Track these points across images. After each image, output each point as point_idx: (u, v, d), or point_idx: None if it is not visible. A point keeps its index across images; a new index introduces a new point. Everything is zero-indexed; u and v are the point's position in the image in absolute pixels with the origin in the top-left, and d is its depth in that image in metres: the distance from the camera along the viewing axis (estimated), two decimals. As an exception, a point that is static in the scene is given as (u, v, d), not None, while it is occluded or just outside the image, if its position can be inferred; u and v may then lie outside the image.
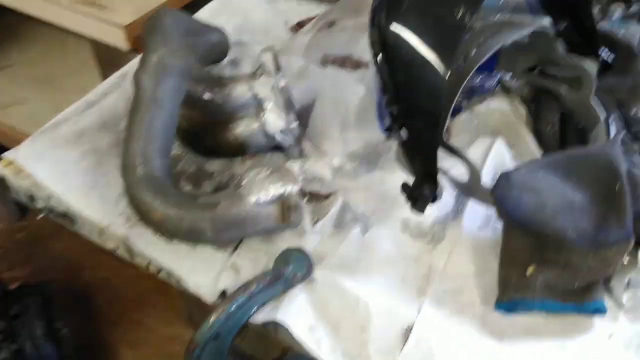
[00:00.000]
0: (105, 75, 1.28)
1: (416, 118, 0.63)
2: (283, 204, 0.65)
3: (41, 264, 1.79)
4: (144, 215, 0.65)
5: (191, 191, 0.74)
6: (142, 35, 0.74)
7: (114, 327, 1.66)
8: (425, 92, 0.62)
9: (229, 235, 0.67)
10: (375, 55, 0.64)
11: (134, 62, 0.93)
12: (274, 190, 0.65)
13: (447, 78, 0.61)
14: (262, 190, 0.65)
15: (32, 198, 0.78)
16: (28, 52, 1.71)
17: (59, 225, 1.82)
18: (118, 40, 1.08)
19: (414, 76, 0.62)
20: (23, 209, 1.87)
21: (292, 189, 0.66)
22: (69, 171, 0.77)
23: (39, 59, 1.70)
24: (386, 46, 0.62)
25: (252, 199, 0.65)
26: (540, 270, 0.62)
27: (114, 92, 0.88)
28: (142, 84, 0.68)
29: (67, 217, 0.76)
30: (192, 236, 0.65)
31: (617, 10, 0.99)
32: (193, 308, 1.57)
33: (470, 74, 0.67)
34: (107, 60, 1.23)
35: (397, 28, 0.62)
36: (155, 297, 1.71)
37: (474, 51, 0.68)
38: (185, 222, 0.64)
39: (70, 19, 1.13)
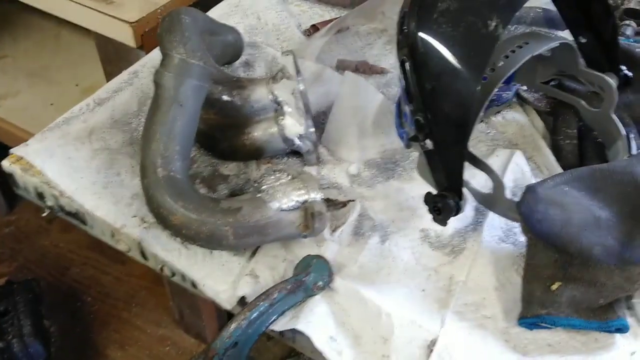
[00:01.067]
0: (108, 70, 1.26)
1: (443, 128, 0.62)
2: (306, 211, 0.64)
3: (28, 260, 1.75)
4: (163, 219, 0.63)
5: (206, 194, 0.73)
6: (159, 33, 0.72)
7: (102, 326, 1.63)
8: (454, 102, 0.61)
9: (251, 242, 0.65)
10: (402, 63, 0.63)
11: (145, 61, 0.91)
12: (297, 196, 0.64)
13: (477, 89, 0.60)
14: (285, 197, 0.64)
15: (41, 195, 0.75)
16: (22, 44, 1.68)
17: (47, 221, 1.78)
18: (125, 37, 1.06)
19: (443, 85, 0.61)
20: (10, 203, 1.84)
21: (315, 195, 0.65)
22: (80, 169, 0.75)
23: (33, 50, 1.66)
24: (415, 55, 0.61)
25: (275, 205, 0.63)
26: (566, 286, 0.62)
27: (125, 90, 0.86)
28: (164, 83, 0.66)
29: (78, 216, 0.74)
30: (213, 241, 0.63)
31: (629, 27, 1.00)
32: (184, 309, 1.55)
33: (498, 85, 0.67)
34: (111, 55, 1.20)
35: (427, 36, 0.61)
36: (144, 296, 1.68)
37: (501, 62, 0.68)
38: (207, 227, 0.62)
39: (76, 13, 1.10)
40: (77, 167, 0.75)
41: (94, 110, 0.83)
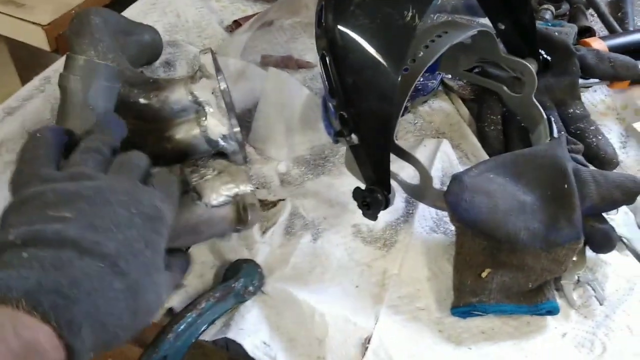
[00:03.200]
0: (24, 76, 1.20)
1: (367, 122, 0.61)
2: (238, 204, 0.62)
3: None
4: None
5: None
6: (68, 35, 0.68)
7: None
8: (376, 95, 0.60)
9: (183, 243, 0.63)
10: (322, 57, 0.62)
11: (58, 65, 0.87)
12: (227, 190, 0.62)
13: (398, 80, 0.60)
14: (213, 192, 0.62)
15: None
16: None
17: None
18: (39, 40, 1.01)
19: (365, 79, 0.60)
20: None
21: (245, 187, 0.63)
22: (-10, 185, 0.70)
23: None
24: (334, 48, 0.60)
25: (205, 201, 0.61)
26: (495, 272, 0.62)
27: (36, 97, 0.82)
28: (70, 87, 0.62)
29: (-10, 235, 0.69)
30: None
31: (548, 11, 1.02)
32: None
33: (420, 75, 0.66)
34: (26, 61, 1.14)
35: (345, 29, 0.59)
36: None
37: (421, 53, 0.68)
38: None
39: (-18, 18, 1.04)
40: (-14, 183, 0.70)
41: (4, 121, 0.78)
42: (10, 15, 1.02)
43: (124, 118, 0.69)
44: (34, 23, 1.00)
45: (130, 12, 0.96)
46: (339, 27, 0.59)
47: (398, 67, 0.60)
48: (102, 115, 0.62)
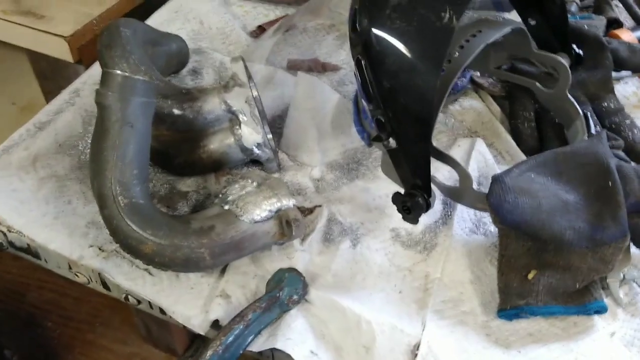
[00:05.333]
0: (45, 87, 1.20)
1: (406, 125, 0.60)
2: (281, 219, 0.62)
3: (-21, 290, 1.68)
4: (132, 249, 0.60)
5: (169, 212, 0.69)
6: (98, 49, 0.68)
7: (67, 351, 1.57)
8: (415, 98, 0.59)
9: (228, 259, 0.63)
10: (357, 61, 0.61)
11: (85, 78, 0.87)
12: (269, 205, 0.62)
13: (437, 83, 0.59)
14: (257, 208, 0.61)
15: (-13, 234, 0.71)
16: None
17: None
18: (62, 52, 1.00)
19: (402, 82, 0.59)
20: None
21: (287, 202, 0.62)
22: (27, 201, 0.71)
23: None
24: (370, 52, 0.59)
25: (248, 218, 0.61)
26: (541, 273, 0.61)
27: (66, 110, 0.81)
28: (108, 104, 0.62)
29: (30, 251, 0.69)
30: (189, 265, 0.60)
31: (573, 4, 1.00)
32: (150, 324, 1.50)
33: (457, 76, 0.66)
34: (47, 72, 1.14)
35: (381, 32, 0.59)
36: (108, 314, 1.63)
37: (456, 53, 0.67)
38: (182, 252, 0.59)
39: (5, 31, 1.04)
40: (23, 199, 0.71)
41: (36, 136, 0.78)
42: (32, 27, 1.02)
43: (158, 129, 0.69)
44: (56, 35, 1.00)
45: (153, 21, 0.95)
46: (374, 31, 0.58)
47: (436, 70, 0.59)
48: None
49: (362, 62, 0.60)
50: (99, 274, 0.66)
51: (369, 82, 0.60)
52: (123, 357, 1.56)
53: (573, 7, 0.99)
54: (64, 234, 0.68)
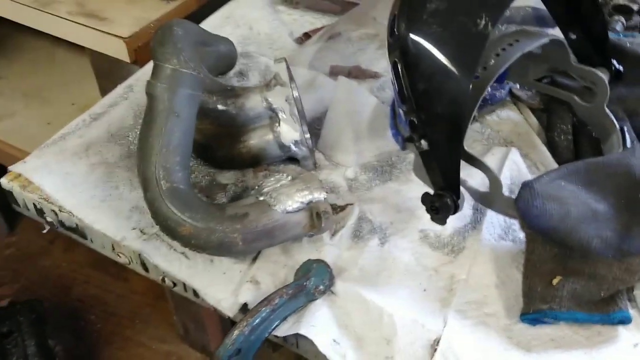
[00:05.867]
0: (102, 86, 1.27)
1: (438, 128, 0.62)
2: (311, 211, 0.64)
3: (30, 281, 1.75)
4: (171, 230, 0.63)
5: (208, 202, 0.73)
6: (152, 46, 0.73)
7: (107, 345, 1.63)
8: (447, 101, 0.62)
9: (259, 246, 0.66)
10: (394, 64, 0.64)
11: (140, 74, 0.92)
12: (301, 197, 0.65)
13: (469, 88, 0.61)
14: (289, 199, 0.64)
15: (41, 212, 0.76)
16: (16, 64, 1.68)
17: (48, 240, 1.79)
18: (120, 52, 1.06)
19: (436, 85, 0.62)
20: (11, 224, 1.84)
21: (319, 195, 0.65)
22: (78, 184, 0.75)
23: (27, 71, 1.67)
24: (407, 56, 0.62)
25: (281, 208, 0.64)
26: (566, 280, 0.62)
27: (120, 103, 0.87)
28: (157, 94, 0.67)
29: (78, 231, 0.74)
30: (222, 249, 0.63)
31: (619, 23, 1.00)
32: (189, 324, 1.54)
33: (490, 83, 0.67)
34: (105, 71, 1.21)
35: (417, 37, 0.61)
36: (148, 312, 1.68)
37: (492, 61, 0.69)
38: (216, 236, 0.62)
39: (70, 31, 1.11)
40: (75, 182, 0.75)
41: (90, 125, 0.83)
42: (94, 28, 1.09)
43: (202, 123, 0.73)
44: (115, 35, 1.06)
45: (206, 25, 1.01)
46: (412, 35, 0.61)
47: (469, 75, 0.61)
48: None
49: (399, 65, 0.62)
50: (139, 255, 0.70)
51: (404, 84, 0.62)
52: (160, 355, 1.61)
53: (618, 26, 1.00)
54: (110, 216, 0.72)
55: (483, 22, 0.61)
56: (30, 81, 1.64)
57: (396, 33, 0.62)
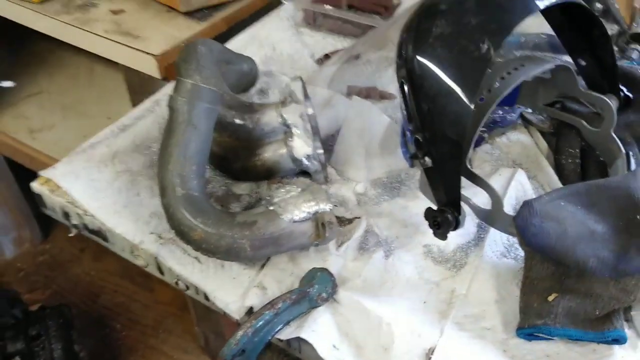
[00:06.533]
0: (134, 100, 1.33)
1: (440, 146, 0.65)
2: (317, 221, 0.67)
3: (61, 287, 1.82)
4: (184, 234, 0.67)
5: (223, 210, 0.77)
6: (176, 62, 0.78)
7: (130, 352, 1.67)
8: (450, 121, 0.64)
9: (266, 253, 0.69)
10: (401, 85, 0.67)
11: (167, 90, 0.97)
12: (308, 208, 0.68)
13: (472, 108, 0.63)
14: (296, 209, 0.67)
15: (66, 215, 0.81)
16: (57, 79, 1.77)
17: (80, 249, 1.85)
18: (151, 68, 1.12)
19: (439, 106, 0.64)
20: (45, 232, 1.92)
21: (325, 206, 0.68)
22: (103, 190, 0.80)
23: (67, 86, 1.75)
24: (412, 77, 0.65)
25: (288, 217, 0.67)
26: (562, 297, 0.63)
27: (147, 117, 0.92)
28: (178, 107, 0.71)
29: (100, 234, 0.79)
30: (231, 254, 0.67)
31: (635, 51, 1.02)
32: (209, 335, 1.58)
33: (494, 105, 0.70)
34: (137, 87, 1.27)
35: (423, 59, 0.64)
36: (171, 323, 1.72)
37: (497, 83, 0.71)
38: (225, 241, 0.66)
39: (106, 48, 1.17)
40: (99, 188, 0.80)
41: (118, 136, 0.88)
42: (128, 46, 1.15)
43: (221, 136, 0.77)
44: (147, 53, 1.12)
45: (232, 44, 1.06)
46: (418, 57, 0.64)
47: (471, 96, 0.64)
48: None
49: (405, 86, 0.66)
50: (155, 258, 0.74)
51: (409, 103, 0.66)
52: (181, 364, 1.64)
53: (634, 55, 1.01)
54: (130, 221, 0.77)
55: (485, 46, 0.63)
56: (69, 95, 1.72)
57: (404, 55, 0.66)
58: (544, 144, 0.87)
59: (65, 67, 1.77)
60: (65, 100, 1.70)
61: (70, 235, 0.85)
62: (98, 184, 0.81)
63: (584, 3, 0.71)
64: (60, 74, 1.77)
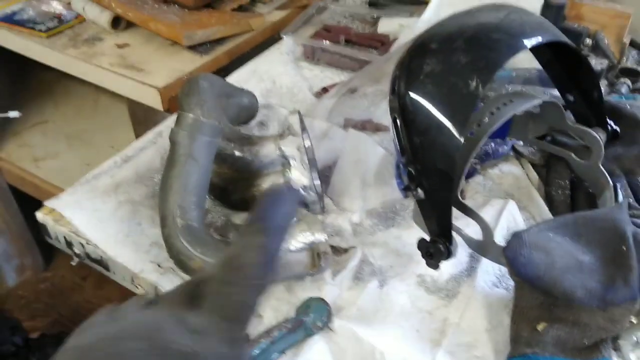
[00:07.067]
0: (137, 131, 1.36)
1: (432, 178, 0.68)
2: (312, 251, 0.69)
3: (62, 315, 1.83)
4: (183, 264, 0.69)
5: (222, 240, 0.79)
6: (179, 96, 0.80)
7: (129, 380, 1.67)
8: (441, 154, 0.67)
9: None
10: (394, 120, 0.70)
11: (169, 122, 1.00)
12: (303, 238, 0.70)
13: (461, 142, 0.66)
14: (292, 239, 0.69)
15: (69, 244, 0.83)
16: (62, 109, 1.80)
17: (81, 277, 1.86)
18: (154, 101, 1.15)
19: (430, 139, 0.67)
20: (47, 260, 1.93)
21: (320, 236, 0.70)
22: (105, 220, 0.82)
23: (72, 115, 1.79)
24: (405, 111, 0.68)
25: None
26: (551, 326, 0.65)
27: (149, 148, 0.94)
28: (179, 140, 0.74)
29: (102, 263, 0.81)
30: None
31: (624, 85, 1.05)
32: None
33: (484, 139, 0.72)
34: (141, 118, 1.30)
35: (415, 95, 0.67)
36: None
37: (487, 118, 0.74)
38: None
39: (111, 80, 1.21)
40: (102, 218, 0.82)
41: (121, 167, 0.91)
42: (132, 79, 1.18)
43: (220, 167, 0.80)
44: (151, 86, 1.15)
45: (233, 78, 1.09)
46: (410, 93, 0.67)
47: (461, 130, 0.66)
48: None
49: (398, 121, 0.68)
50: (155, 287, 0.75)
51: (402, 138, 0.68)
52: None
53: (624, 89, 1.04)
54: (131, 250, 0.79)
55: (474, 83, 0.66)
56: (74, 125, 1.75)
57: (396, 91, 0.69)
58: (534, 175, 0.89)
59: (70, 96, 1.81)
60: (69, 129, 1.74)
61: (72, 263, 0.87)
62: (101, 214, 0.83)
63: (569, 41, 0.74)
64: (65, 104, 1.81)
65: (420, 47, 0.69)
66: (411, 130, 0.67)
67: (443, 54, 0.67)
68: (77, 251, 0.82)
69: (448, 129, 0.66)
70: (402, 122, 0.68)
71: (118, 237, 0.80)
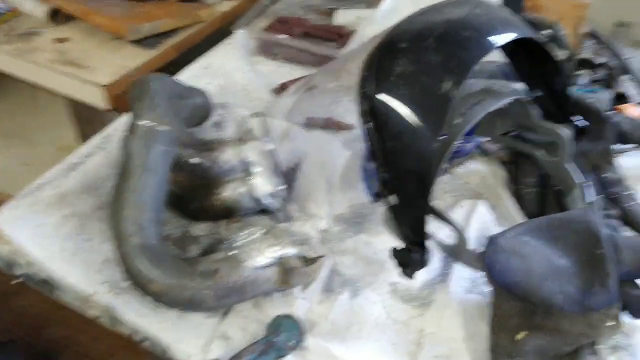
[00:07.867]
0: (81, 131, 1.28)
1: (405, 184, 0.64)
2: (282, 266, 0.65)
3: (4, 321, 1.73)
4: (142, 286, 0.64)
5: (180, 254, 0.73)
6: (129, 100, 0.74)
7: (78, 387, 1.60)
8: (414, 159, 0.63)
9: (230, 302, 0.66)
10: (365, 124, 0.66)
11: (117, 124, 0.93)
12: (272, 253, 0.66)
13: (434, 145, 0.63)
14: (259, 254, 0.65)
15: (10, 265, 0.76)
16: (-1, 105, 1.70)
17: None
18: (97, 99, 1.08)
19: (403, 144, 0.64)
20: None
21: (289, 250, 0.66)
22: (50, 236, 0.76)
23: (9, 112, 1.68)
24: (375, 115, 0.64)
25: (251, 263, 0.65)
26: (531, 335, 0.63)
27: (96, 154, 0.88)
28: (133, 151, 0.68)
29: (48, 284, 0.74)
30: (194, 305, 0.64)
31: (584, 76, 1.04)
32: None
33: (456, 141, 0.69)
34: (84, 117, 1.22)
35: (385, 98, 0.63)
36: (122, 353, 1.66)
37: (459, 119, 0.71)
38: (188, 292, 0.63)
39: (48, 78, 1.12)
40: (47, 234, 0.76)
41: (66, 176, 0.84)
42: (73, 76, 1.10)
43: (177, 175, 0.74)
44: (94, 83, 1.08)
45: (184, 75, 1.03)
46: (380, 96, 0.63)
47: (435, 134, 0.63)
48: None
49: (368, 124, 0.64)
50: (108, 309, 0.70)
51: (373, 142, 0.64)
52: (131, 398, 1.58)
53: (584, 80, 1.03)
54: (81, 270, 0.72)
55: (447, 85, 0.63)
56: (12, 122, 1.65)
57: (366, 93, 0.65)
58: (502, 173, 0.87)
59: (6, 93, 1.70)
60: (7, 126, 1.64)
61: (13, 283, 0.80)
62: (45, 230, 0.76)
63: (538, 37, 0.72)
64: (1, 100, 1.70)
65: (390, 46, 0.65)
66: (383, 135, 0.64)
67: (414, 54, 0.64)
68: (19, 272, 0.75)
69: (422, 133, 0.62)
70: (373, 126, 0.64)
71: (65, 255, 0.74)
